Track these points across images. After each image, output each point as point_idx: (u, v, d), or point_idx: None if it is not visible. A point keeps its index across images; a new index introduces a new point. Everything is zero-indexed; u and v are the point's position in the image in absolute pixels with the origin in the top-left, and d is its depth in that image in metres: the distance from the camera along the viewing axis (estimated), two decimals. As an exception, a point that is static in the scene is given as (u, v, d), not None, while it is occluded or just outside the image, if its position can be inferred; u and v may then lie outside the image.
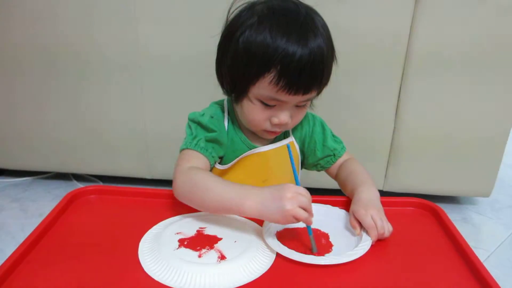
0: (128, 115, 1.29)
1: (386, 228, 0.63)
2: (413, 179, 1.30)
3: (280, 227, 0.65)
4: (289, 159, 0.80)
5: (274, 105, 0.69)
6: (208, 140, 0.73)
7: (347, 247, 0.61)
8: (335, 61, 0.72)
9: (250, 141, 0.78)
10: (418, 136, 1.23)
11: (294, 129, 0.81)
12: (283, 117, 0.69)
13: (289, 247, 0.59)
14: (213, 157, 0.73)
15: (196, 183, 0.65)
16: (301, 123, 0.81)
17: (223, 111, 0.78)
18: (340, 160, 0.83)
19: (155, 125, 1.30)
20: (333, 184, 0.85)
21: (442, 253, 0.62)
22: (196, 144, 0.72)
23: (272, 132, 0.73)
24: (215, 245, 0.60)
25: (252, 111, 0.70)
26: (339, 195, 0.76)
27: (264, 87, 0.66)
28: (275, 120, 0.70)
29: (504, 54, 1.12)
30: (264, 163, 0.78)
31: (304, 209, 0.58)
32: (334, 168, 0.84)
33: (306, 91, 0.66)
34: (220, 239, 0.61)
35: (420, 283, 0.56)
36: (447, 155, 1.25)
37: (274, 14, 0.65)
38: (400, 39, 1.12)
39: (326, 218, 0.68)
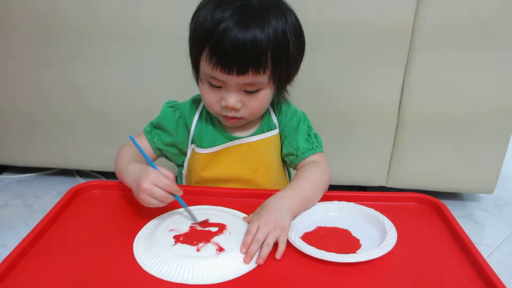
0: (131, 110, 1.29)
1: (265, 250, 0.57)
2: (416, 176, 1.29)
3: (300, 231, 0.63)
4: (274, 149, 0.80)
5: (220, 87, 0.69)
6: (154, 126, 0.79)
7: (373, 243, 0.61)
8: (296, 56, 0.71)
9: (227, 131, 0.79)
10: (421, 132, 1.23)
11: (279, 119, 0.80)
12: (230, 100, 0.69)
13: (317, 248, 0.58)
14: (154, 142, 0.79)
15: (117, 159, 0.74)
16: (285, 114, 0.80)
17: (197, 103, 0.80)
18: (304, 162, 0.78)
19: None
20: (346, 181, 0.82)
21: (445, 249, 0.62)
22: (145, 127, 0.80)
23: (226, 117, 0.73)
24: (211, 239, 0.60)
25: (204, 92, 0.72)
26: (357, 191, 0.75)
27: (204, 65, 0.68)
28: (223, 103, 0.70)
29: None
30: (253, 153, 0.79)
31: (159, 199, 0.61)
32: (298, 169, 0.78)
33: (239, 72, 0.65)
34: (215, 232, 0.62)
35: (422, 279, 0.56)
36: (450, 152, 1.24)
37: None
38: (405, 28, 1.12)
39: (342, 214, 0.68)
